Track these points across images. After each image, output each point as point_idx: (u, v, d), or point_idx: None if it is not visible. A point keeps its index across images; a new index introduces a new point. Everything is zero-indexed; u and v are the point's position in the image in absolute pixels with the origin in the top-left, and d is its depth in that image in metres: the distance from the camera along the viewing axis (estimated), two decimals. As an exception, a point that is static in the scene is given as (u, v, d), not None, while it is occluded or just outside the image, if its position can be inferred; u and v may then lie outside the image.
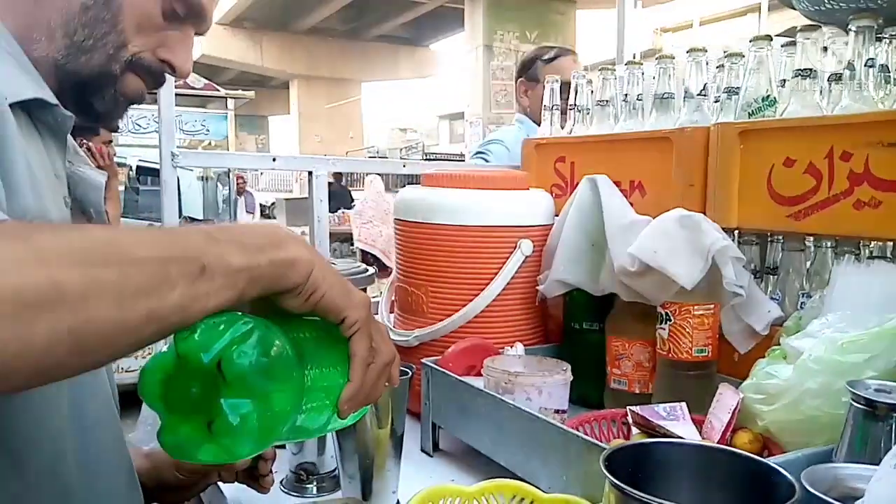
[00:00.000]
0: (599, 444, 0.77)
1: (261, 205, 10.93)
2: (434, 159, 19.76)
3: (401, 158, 21.41)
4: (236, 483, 0.93)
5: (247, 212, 8.97)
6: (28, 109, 0.70)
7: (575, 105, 1.43)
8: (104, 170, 2.75)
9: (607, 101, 1.36)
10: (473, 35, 15.11)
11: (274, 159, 1.30)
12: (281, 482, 0.98)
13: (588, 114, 1.41)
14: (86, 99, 0.75)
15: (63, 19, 0.71)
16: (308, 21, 19.30)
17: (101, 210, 0.88)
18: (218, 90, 5.09)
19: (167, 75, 0.79)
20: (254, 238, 0.53)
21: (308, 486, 0.96)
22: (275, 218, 10.08)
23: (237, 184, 7.48)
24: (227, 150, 5.05)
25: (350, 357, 0.58)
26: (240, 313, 0.53)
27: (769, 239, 1.10)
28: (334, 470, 0.96)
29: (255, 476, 0.91)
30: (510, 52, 14.80)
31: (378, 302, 1.39)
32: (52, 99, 0.71)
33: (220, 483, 0.96)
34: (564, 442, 0.81)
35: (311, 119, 22.45)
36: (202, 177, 5.42)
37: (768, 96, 1.05)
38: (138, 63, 0.75)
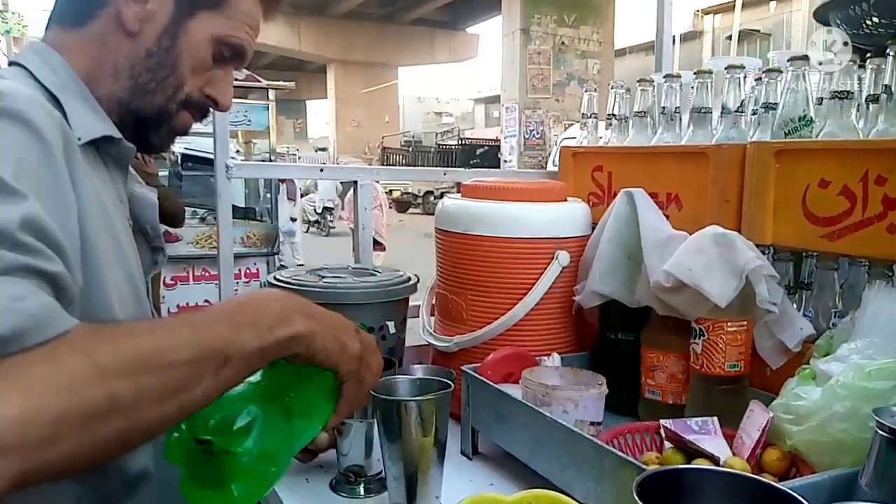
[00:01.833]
0: (632, 461, 0.81)
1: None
2: (470, 145, 19.76)
3: (437, 144, 21.45)
4: (292, 490, 1.02)
5: (288, 198, 9.11)
6: (96, 144, 0.78)
7: (612, 115, 1.46)
8: (150, 173, 2.95)
9: (645, 112, 1.38)
10: (510, 19, 15.00)
11: (321, 170, 1.37)
12: (331, 483, 1.05)
13: (625, 123, 1.44)
14: (144, 133, 0.84)
15: (129, 63, 0.79)
16: (345, 5, 19.36)
17: (157, 226, 0.96)
18: (259, 81, 5.18)
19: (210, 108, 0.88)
20: (266, 317, 0.64)
21: (356, 487, 1.03)
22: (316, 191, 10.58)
23: (279, 173, 7.61)
24: (269, 138, 5.15)
25: (340, 396, 0.75)
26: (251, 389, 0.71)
27: (804, 255, 1.12)
28: (380, 473, 1.03)
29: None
30: (547, 36, 14.66)
31: (419, 305, 1.45)
32: (117, 134, 0.80)
33: (276, 490, 1.03)
34: (598, 456, 0.86)
35: (348, 103, 22.61)
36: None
37: (805, 116, 1.07)
38: (189, 101, 0.84)
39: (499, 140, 16.98)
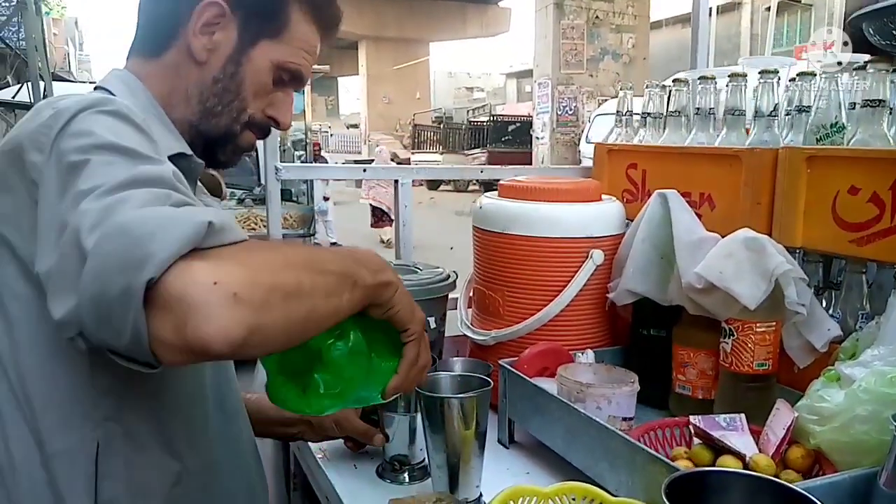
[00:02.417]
0: (662, 458, 0.87)
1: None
2: (501, 121, 19.63)
3: (468, 121, 21.35)
4: (341, 474, 1.10)
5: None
6: (171, 159, 0.85)
7: (648, 113, 1.49)
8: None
9: (679, 111, 1.41)
10: (543, -7, 14.77)
11: (364, 170, 1.43)
12: (377, 470, 1.12)
13: (660, 121, 1.47)
14: (212, 151, 0.92)
15: (198, 89, 0.88)
16: (376, -19, 19.27)
17: None
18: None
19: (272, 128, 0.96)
20: (370, 263, 0.75)
21: (401, 475, 1.10)
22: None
23: (314, 151, 7.73)
24: (304, 121, 5.23)
25: (402, 357, 0.81)
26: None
27: (833, 257, 1.15)
28: (423, 461, 1.10)
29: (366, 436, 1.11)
30: (581, 10, 14.44)
31: (457, 298, 1.51)
32: (189, 151, 0.89)
33: (327, 474, 1.12)
34: (631, 452, 0.92)
35: (379, 80, 22.61)
36: (279, 146, 5.62)
37: (836, 122, 1.10)
38: (252, 121, 0.92)
39: (531, 116, 16.87)
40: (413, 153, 20.92)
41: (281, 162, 1.36)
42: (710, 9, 2.34)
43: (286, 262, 0.65)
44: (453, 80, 31.98)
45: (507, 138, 18.71)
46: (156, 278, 0.55)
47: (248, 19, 0.87)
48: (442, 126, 21.75)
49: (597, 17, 14.52)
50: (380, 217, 9.69)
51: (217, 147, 0.92)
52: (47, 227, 0.64)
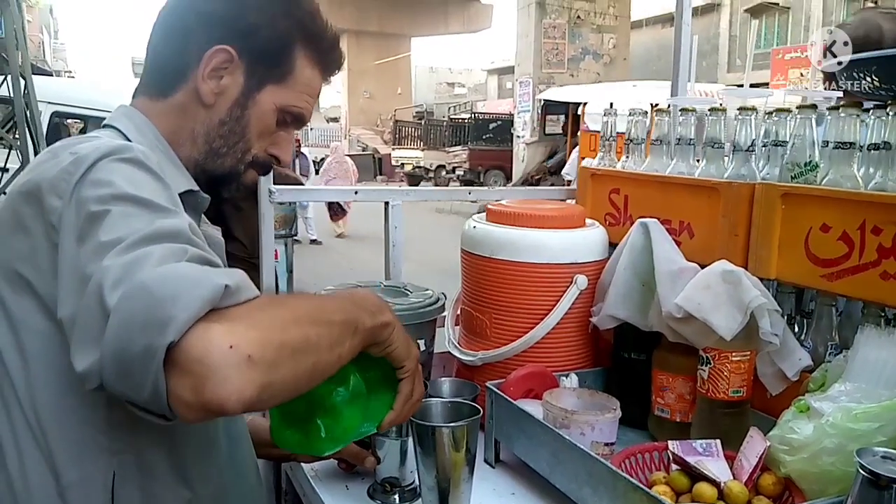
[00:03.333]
0: (642, 487, 0.92)
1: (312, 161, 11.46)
2: (482, 119, 19.69)
3: (449, 118, 21.38)
4: (333, 495, 1.14)
5: (301, 174, 9.22)
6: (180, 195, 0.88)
7: (630, 140, 1.53)
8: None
9: (660, 140, 1.46)
10: (526, -9, 14.83)
11: (356, 192, 1.46)
12: (368, 491, 1.16)
13: (642, 148, 1.52)
14: (216, 189, 0.96)
15: (205, 129, 0.92)
16: (358, -25, 19.17)
17: (223, 264, 1.06)
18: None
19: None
20: (370, 305, 0.80)
21: (392, 496, 1.14)
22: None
23: (296, 148, 7.72)
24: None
25: (398, 392, 0.87)
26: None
27: (805, 288, 1.21)
28: (413, 483, 1.14)
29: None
30: (563, 10, 14.55)
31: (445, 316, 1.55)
32: (195, 187, 0.92)
33: (319, 494, 1.16)
34: (612, 479, 0.96)
35: (361, 75, 22.54)
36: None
37: (810, 161, 1.15)
38: (255, 160, 0.96)
39: (512, 114, 16.95)
40: (394, 149, 20.90)
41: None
42: (694, 9, 2.37)
43: (294, 318, 0.69)
44: (434, 76, 31.95)
45: (488, 136, 18.78)
46: (176, 341, 0.58)
47: (255, 65, 0.90)
48: (423, 122, 21.74)
49: (578, 16, 14.62)
50: (336, 211, 10.05)
51: (221, 184, 0.96)
52: (69, 274, 0.67)
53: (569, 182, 6.06)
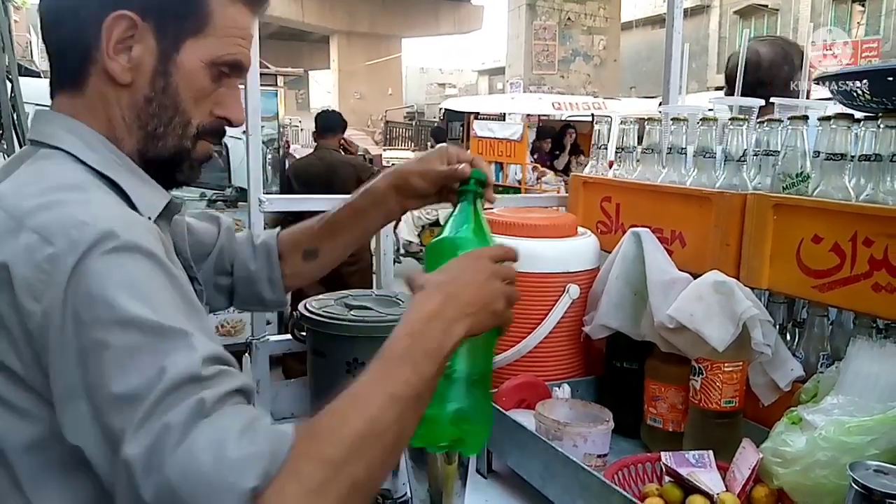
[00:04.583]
0: (635, 501, 0.91)
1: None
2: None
3: (439, 120, 21.34)
4: None
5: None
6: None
7: (621, 148, 1.54)
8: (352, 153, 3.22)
9: (651, 149, 1.46)
10: (517, -7, 14.85)
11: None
12: None
13: (633, 156, 1.52)
14: (169, 174, 0.84)
15: (133, 113, 0.79)
16: (349, -24, 19.14)
17: (188, 255, 1.00)
18: (268, 67, 5.21)
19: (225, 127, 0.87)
20: (433, 341, 0.73)
21: (384, 509, 1.14)
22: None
23: (285, 149, 7.70)
24: (278, 124, 5.21)
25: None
26: None
27: (797, 298, 1.21)
28: (405, 495, 1.13)
29: None
30: (553, 11, 14.58)
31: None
32: (167, 197, 0.84)
33: None
34: (605, 492, 0.96)
35: (351, 76, 22.49)
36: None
37: (802, 172, 1.15)
38: (202, 130, 0.83)
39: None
40: (385, 150, 20.85)
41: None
42: (686, 10, 2.37)
43: (335, 469, 0.62)
44: (425, 76, 31.92)
45: (478, 136, 18.74)
46: None
47: (164, 22, 0.77)
48: (414, 123, 21.72)
49: (569, 18, 14.65)
50: None
51: (173, 168, 0.83)
52: (80, 407, 0.62)
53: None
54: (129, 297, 0.62)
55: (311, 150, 4.70)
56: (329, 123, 4.62)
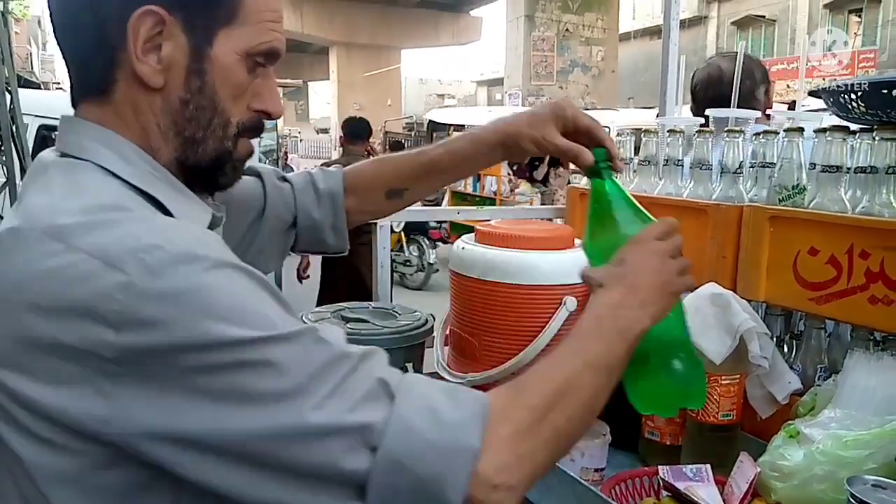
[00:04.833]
0: (633, 516, 0.91)
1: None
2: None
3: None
4: None
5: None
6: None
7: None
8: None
9: (648, 160, 1.46)
10: (515, 4, 14.96)
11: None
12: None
13: (630, 166, 1.52)
14: (212, 179, 0.78)
15: (169, 119, 0.72)
16: (348, -13, 19.25)
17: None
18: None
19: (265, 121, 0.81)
20: (622, 320, 0.76)
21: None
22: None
23: (283, 160, 7.73)
24: (277, 135, 5.23)
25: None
26: None
27: (794, 310, 1.21)
28: None
29: None
30: (552, 23, 14.66)
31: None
32: (209, 212, 0.78)
33: None
34: (603, 507, 0.96)
35: (351, 87, 22.56)
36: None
37: (798, 184, 1.16)
38: (242, 128, 0.77)
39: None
40: (384, 160, 20.83)
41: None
42: (682, 21, 2.37)
43: (537, 418, 0.66)
44: (424, 87, 32.04)
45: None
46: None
47: (193, 15, 0.70)
48: (413, 133, 21.78)
49: (567, 29, 14.73)
50: None
51: (215, 173, 0.77)
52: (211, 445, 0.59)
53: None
54: (240, 318, 0.58)
55: (340, 155, 4.83)
56: (357, 131, 4.76)
